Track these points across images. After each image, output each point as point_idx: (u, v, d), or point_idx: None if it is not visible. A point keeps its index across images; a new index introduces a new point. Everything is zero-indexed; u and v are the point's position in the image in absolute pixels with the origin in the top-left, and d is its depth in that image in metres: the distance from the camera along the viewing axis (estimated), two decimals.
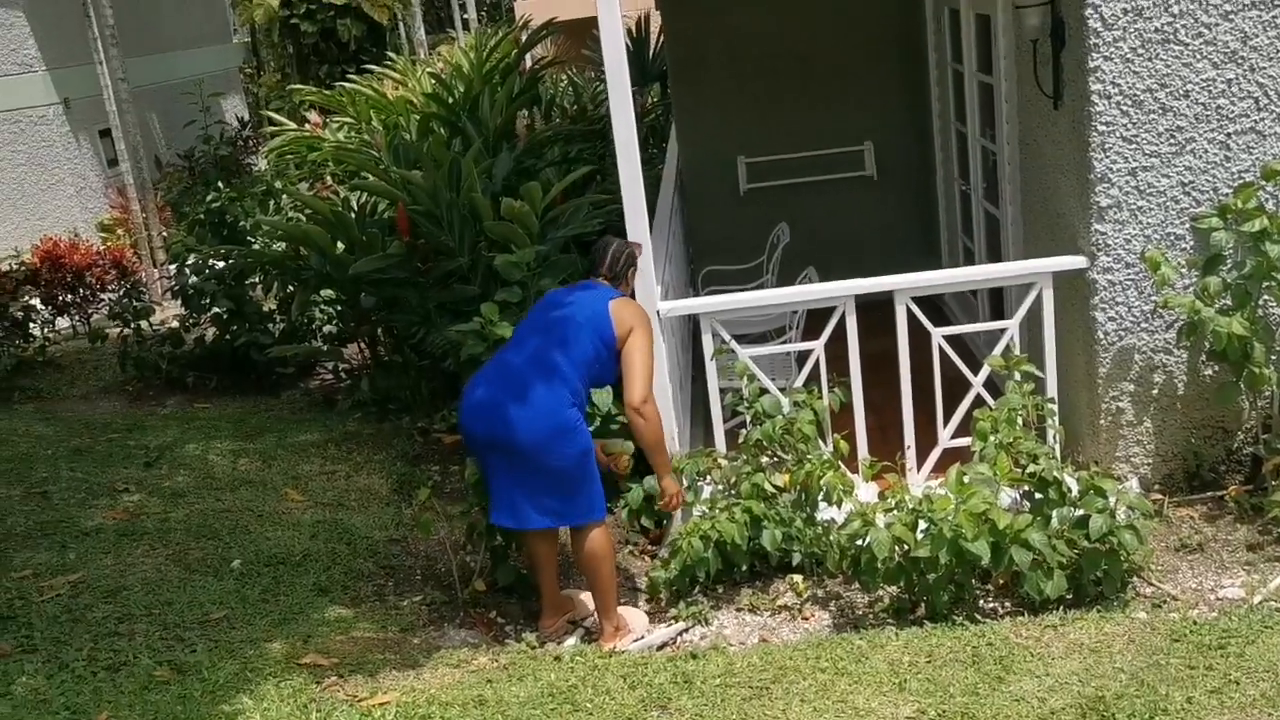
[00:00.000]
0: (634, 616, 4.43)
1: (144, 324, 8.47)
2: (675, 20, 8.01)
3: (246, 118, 15.67)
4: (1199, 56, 4.34)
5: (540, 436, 4.07)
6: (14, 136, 14.40)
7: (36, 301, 9.16)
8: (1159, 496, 4.66)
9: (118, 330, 8.49)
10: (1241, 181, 4.42)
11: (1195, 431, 4.70)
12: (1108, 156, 4.43)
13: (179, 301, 8.35)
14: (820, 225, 7.63)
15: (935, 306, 6.98)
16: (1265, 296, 4.41)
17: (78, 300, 9.64)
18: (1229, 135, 4.40)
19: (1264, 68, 4.35)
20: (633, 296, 4.49)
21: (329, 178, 10.70)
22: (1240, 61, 4.35)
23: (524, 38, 11.82)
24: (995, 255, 6.14)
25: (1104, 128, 4.40)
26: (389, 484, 5.84)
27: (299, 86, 15.63)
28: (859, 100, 7.82)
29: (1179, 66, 4.35)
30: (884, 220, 7.92)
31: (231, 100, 19.21)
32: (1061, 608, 3.98)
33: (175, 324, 8.51)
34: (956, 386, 4.78)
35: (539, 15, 16.38)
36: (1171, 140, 4.42)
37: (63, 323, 9.74)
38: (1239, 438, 4.70)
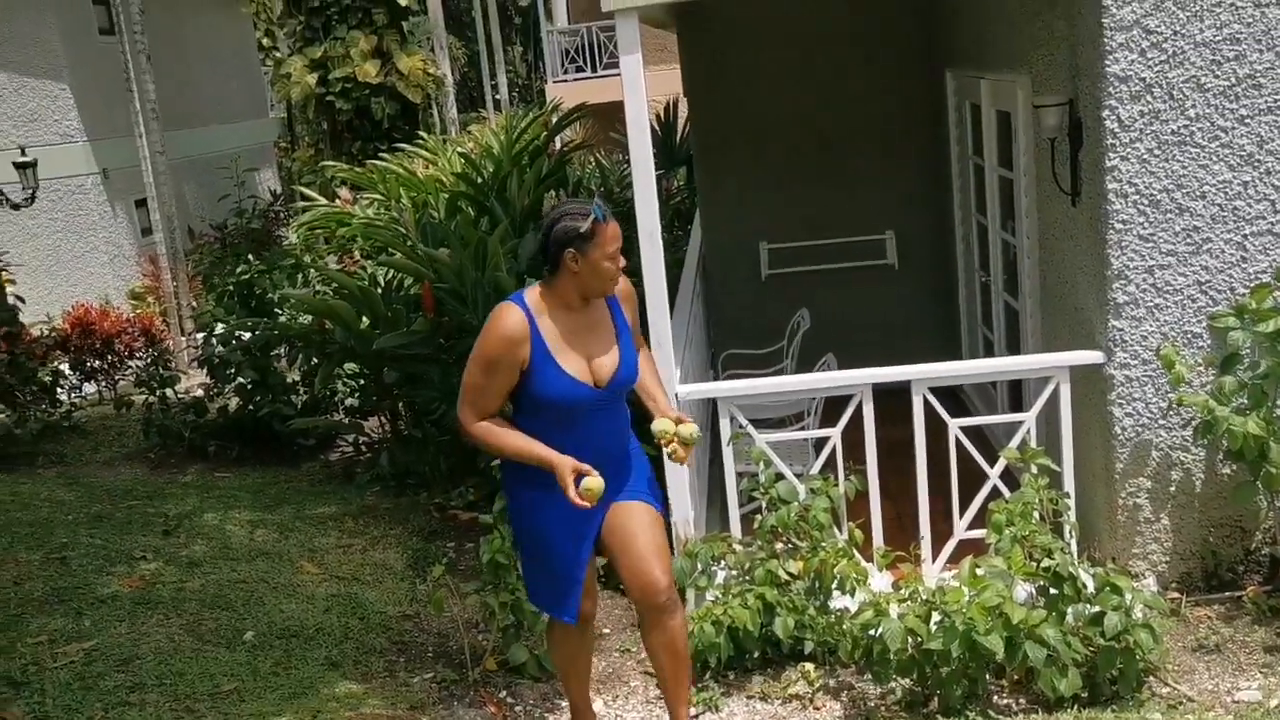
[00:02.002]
0: None
1: (169, 392, 8.58)
2: (701, 106, 8.19)
3: (279, 190, 16.00)
4: (1215, 159, 4.41)
5: None
6: (52, 204, 14.71)
7: (65, 367, 9.31)
8: (1176, 595, 4.62)
9: (143, 397, 8.60)
10: (1258, 282, 4.46)
11: (1213, 530, 4.68)
12: (1125, 254, 4.48)
13: (205, 370, 8.47)
14: (841, 312, 7.70)
15: (955, 395, 7.01)
16: None
17: (105, 366, 9.79)
18: (1245, 236, 4.45)
19: None
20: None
21: (357, 252, 10.88)
22: (1256, 165, 4.41)
23: (554, 121, 12.07)
24: (1015, 347, 6.18)
25: (1121, 226, 4.46)
26: (404, 559, 5.85)
27: (331, 163, 15.94)
28: (882, 190, 7.93)
29: (1195, 168, 4.41)
30: (905, 309, 7.98)
31: (265, 173, 19.61)
32: (1076, 706, 3.93)
33: (200, 393, 8.62)
34: (974, 477, 4.78)
35: (569, 99, 16.74)
36: (1188, 240, 4.47)
37: (89, 388, 9.88)
38: (1257, 538, 4.67)
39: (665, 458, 3.68)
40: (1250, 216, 4.44)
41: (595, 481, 3.35)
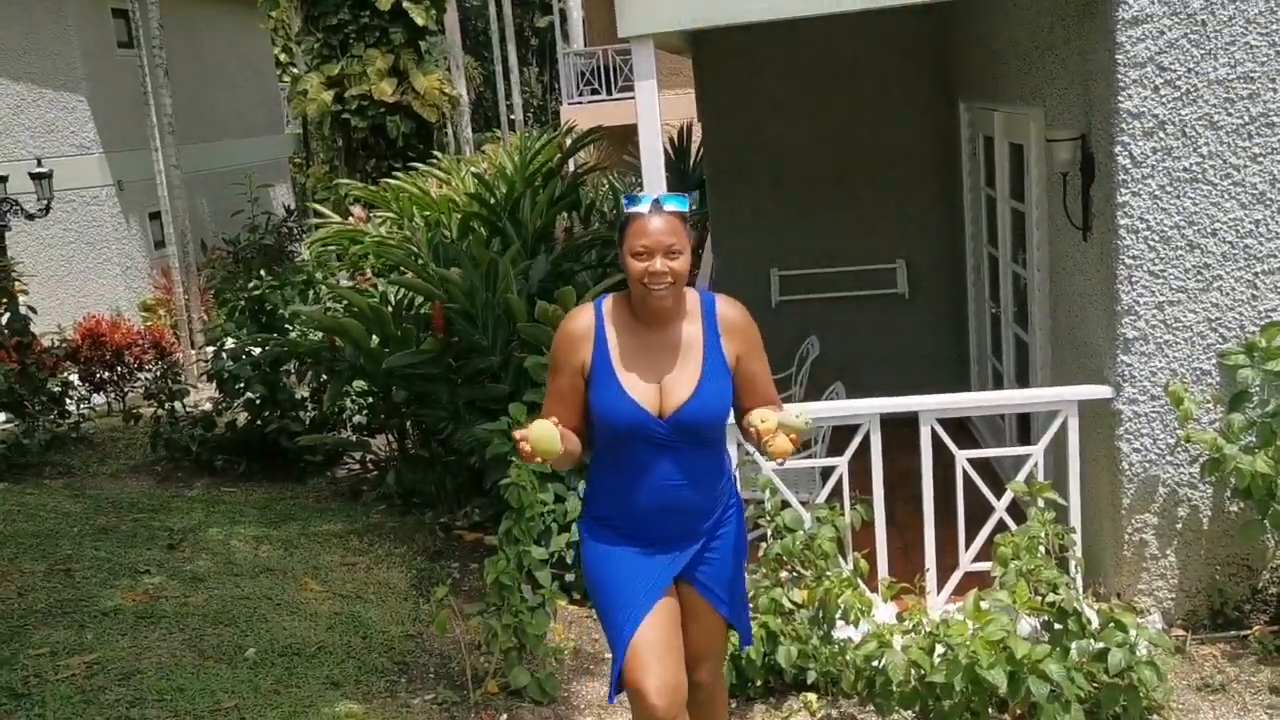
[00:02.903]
0: None
1: (177, 405, 8.61)
2: (715, 132, 8.22)
3: (292, 206, 16.08)
4: (1227, 196, 4.41)
5: None
6: (66, 215, 14.80)
7: (75, 378, 9.35)
8: (1181, 633, 4.60)
9: (151, 410, 8.62)
10: (1269, 320, 4.45)
11: (1220, 568, 4.66)
12: (1135, 289, 4.48)
13: (214, 384, 8.49)
14: (851, 341, 7.70)
15: (963, 426, 7.00)
16: None
17: (115, 378, 9.83)
18: (1256, 274, 4.45)
19: None
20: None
21: (369, 270, 10.91)
22: (1269, 203, 4.41)
23: (568, 143, 12.12)
24: (1024, 379, 6.17)
25: (1131, 261, 4.46)
26: (408, 578, 5.84)
27: (345, 181, 16.02)
28: (894, 219, 7.95)
29: (1207, 205, 4.42)
30: (914, 338, 7.99)
31: (280, 189, 19.72)
32: None
33: (208, 406, 8.64)
34: (981, 509, 4.77)
35: (584, 121, 16.81)
36: (1199, 277, 4.47)
37: (99, 399, 9.91)
38: (1264, 576, 4.65)
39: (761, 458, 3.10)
40: (1262, 255, 4.44)
41: (540, 428, 2.87)
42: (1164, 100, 4.36)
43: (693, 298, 3.14)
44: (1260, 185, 4.40)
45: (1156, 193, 4.42)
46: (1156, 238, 4.45)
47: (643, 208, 3.00)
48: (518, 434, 2.90)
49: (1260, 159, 4.39)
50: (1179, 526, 4.64)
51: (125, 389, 9.99)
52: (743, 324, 3.17)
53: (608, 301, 3.15)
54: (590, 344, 3.08)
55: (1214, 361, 4.52)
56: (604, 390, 3.05)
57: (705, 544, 3.19)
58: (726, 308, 3.16)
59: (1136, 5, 4.31)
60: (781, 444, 2.91)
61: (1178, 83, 4.35)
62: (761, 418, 2.96)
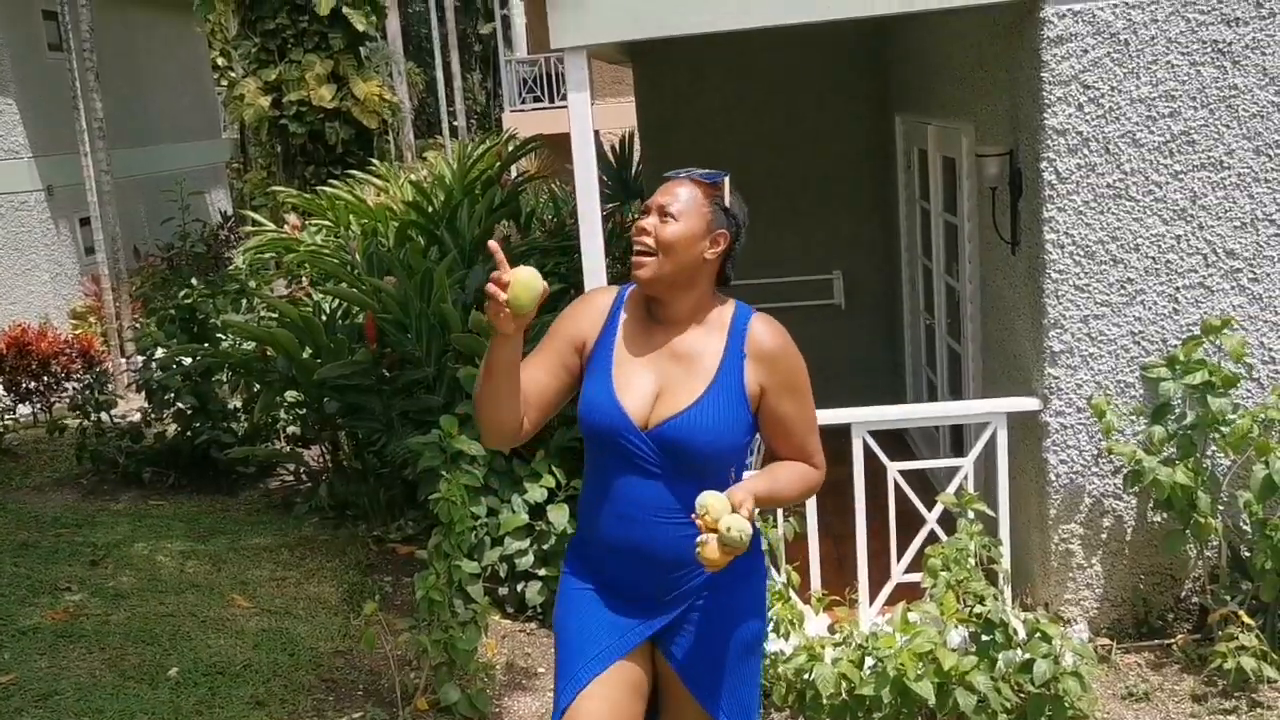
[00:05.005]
0: None
1: (105, 416, 8.42)
2: (655, 142, 8.23)
3: (230, 212, 15.85)
4: (1149, 213, 4.49)
5: None
6: None
7: None
8: (1107, 642, 4.66)
9: (77, 421, 8.43)
10: (1189, 334, 4.53)
11: (1144, 578, 4.73)
12: (1060, 303, 4.54)
13: (143, 395, 8.32)
14: None
15: (898, 436, 7.05)
16: (1211, 448, 4.48)
17: (41, 388, 9.59)
18: (1177, 289, 4.53)
19: (1212, 226, 4.49)
20: None
21: (305, 279, 10.78)
22: (1189, 219, 4.49)
23: (508, 151, 12.06)
24: (957, 390, 6.23)
25: (1057, 275, 4.52)
26: (339, 593, 5.76)
27: (280, 188, 15.82)
28: (831, 230, 8.00)
29: (1130, 221, 4.49)
30: (850, 350, 8.03)
31: (216, 194, 19.43)
32: None
33: (137, 417, 8.46)
34: (914, 519, 4.80)
35: (527, 128, 16.74)
36: (1122, 291, 4.54)
37: (24, 410, 9.67)
38: (1187, 586, 4.73)
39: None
40: (1182, 270, 4.52)
41: (525, 272, 2.44)
42: (1088, 117, 4.43)
43: (724, 309, 2.72)
44: (1181, 202, 4.48)
45: (1081, 208, 4.48)
46: (1081, 252, 4.51)
47: (685, 175, 2.69)
48: (497, 276, 2.41)
49: (1181, 176, 4.47)
50: (1104, 537, 4.70)
51: (52, 399, 9.75)
52: (776, 352, 2.67)
53: (631, 291, 2.74)
54: (601, 325, 2.69)
55: (1137, 374, 4.59)
56: (592, 383, 2.63)
57: (689, 609, 2.64)
58: (762, 328, 2.69)
59: (1061, 24, 4.37)
60: (710, 553, 2.35)
61: (1101, 100, 4.42)
62: (706, 502, 2.38)
